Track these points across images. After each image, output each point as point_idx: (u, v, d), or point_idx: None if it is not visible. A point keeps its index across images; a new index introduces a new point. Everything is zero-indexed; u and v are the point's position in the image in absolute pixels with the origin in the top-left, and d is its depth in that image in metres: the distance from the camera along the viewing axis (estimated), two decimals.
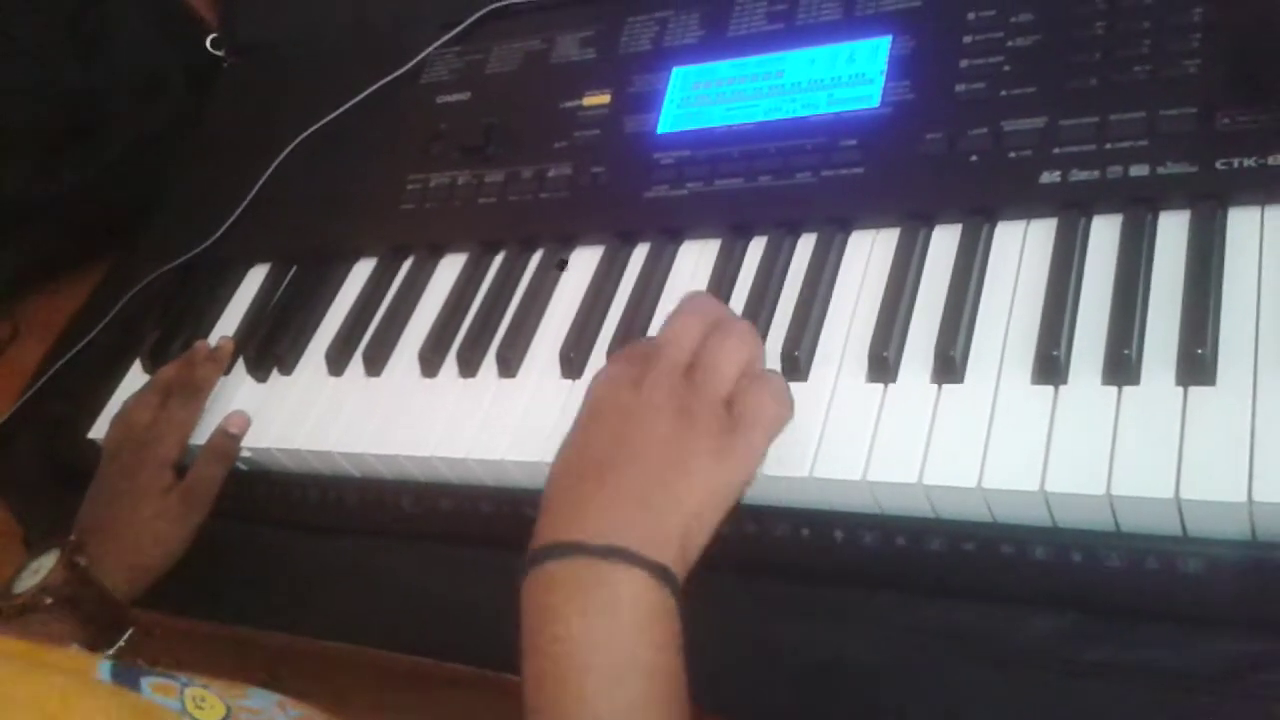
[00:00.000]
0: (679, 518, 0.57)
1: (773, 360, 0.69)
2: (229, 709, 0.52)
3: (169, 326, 0.97)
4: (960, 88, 0.74)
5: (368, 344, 0.85)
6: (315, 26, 1.11)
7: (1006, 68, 0.73)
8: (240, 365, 0.90)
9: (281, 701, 0.58)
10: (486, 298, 0.83)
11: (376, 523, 0.80)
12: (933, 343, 0.65)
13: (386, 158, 0.96)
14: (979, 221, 0.69)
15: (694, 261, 0.78)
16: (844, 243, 0.74)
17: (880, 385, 0.66)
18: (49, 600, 0.76)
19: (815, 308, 0.71)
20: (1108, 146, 0.67)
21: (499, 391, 0.78)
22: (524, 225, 0.86)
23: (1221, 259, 0.62)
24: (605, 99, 0.88)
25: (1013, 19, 0.74)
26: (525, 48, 0.95)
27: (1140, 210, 0.65)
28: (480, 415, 0.77)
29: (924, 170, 0.72)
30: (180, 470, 0.84)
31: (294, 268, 0.96)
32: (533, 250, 0.85)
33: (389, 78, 0.99)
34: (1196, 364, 0.58)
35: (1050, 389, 0.61)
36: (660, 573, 0.55)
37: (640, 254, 0.80)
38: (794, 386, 0.68)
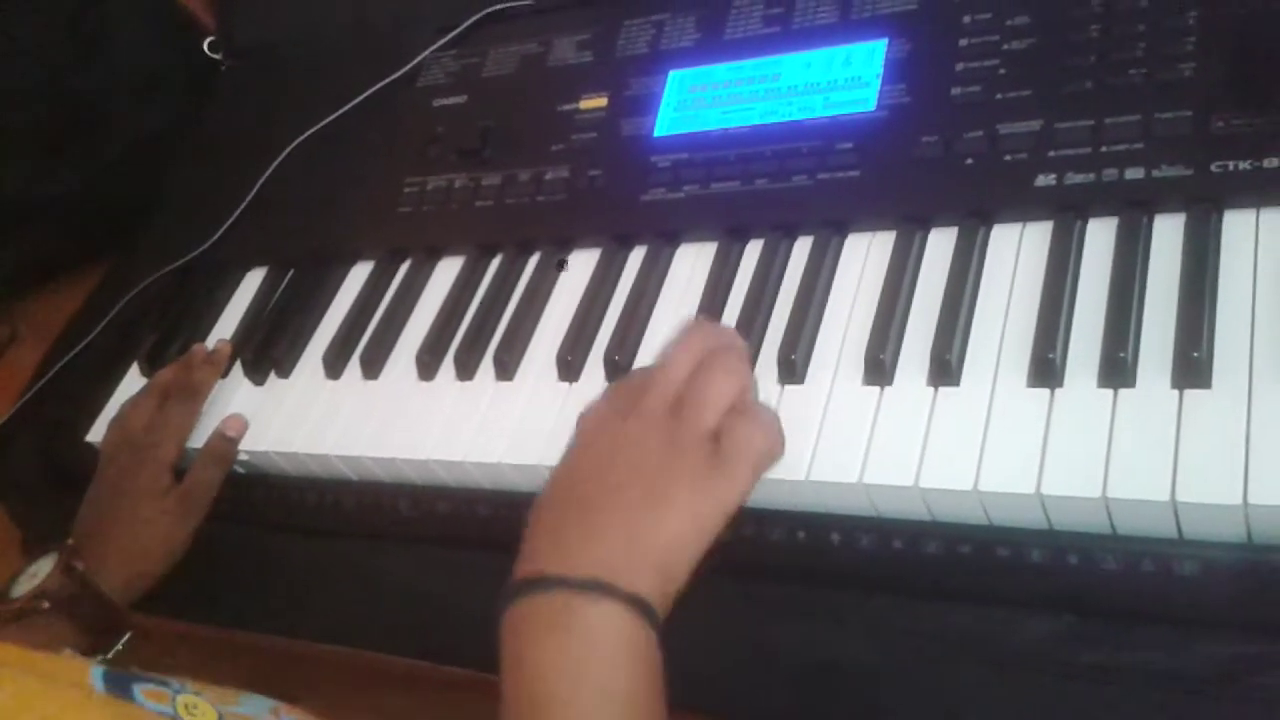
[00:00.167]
0: (660, 551, 0.57)
1: (769, 363, 0.70)
2: (220, 716, 0.52)
3: (167, 329, 0.97)
4: (956, 91, 0.74)
5: (365, 347, 0.85)
6: (312, 30, 1.11)
7: (1002, 71, 0.73)
8: (238, 368, 0.90)
9: (275, 708, 0.58)
10: (484, 301, 0.84)
11: (374, 526, 0.80)
12: (929, 346, 0.65)
13: (383, 161, 0.96)
14: (975, 224, 0.69)
15: (690, 264, 0.78)
16: (840, 246, 0.74)
17: (876, 388, 0.66)
18: (46, 604, 0.76)
19: (811, 311, 0.71)
20: (1103, 149, 0.67)
21: (496, 394, 0.78)
22: (521, 228, 0.86)
23: (1216, 262, 0.62)
24: (602, 102, 0.88)
25: (1008, 22, 0.74)
26: (522, 51, 0.95)
27: (1135, 213, 0.65)
28: (477, 418, 0.77)
29: (920, 173, 0.72)
30: (178, 474, 0.84)
31: (291, 271, 0.96)
32: (530, 253, 0.85)
33: (386, 81, 0.99)
34: (1192, 367, 0.58)
35: (1046, 392, 0.61)
36: (640, 606, 0.55)
37: (637, 257, 0.81)
38: (790, 389, 0.68)
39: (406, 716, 0.88)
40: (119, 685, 0.51)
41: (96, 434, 0.91)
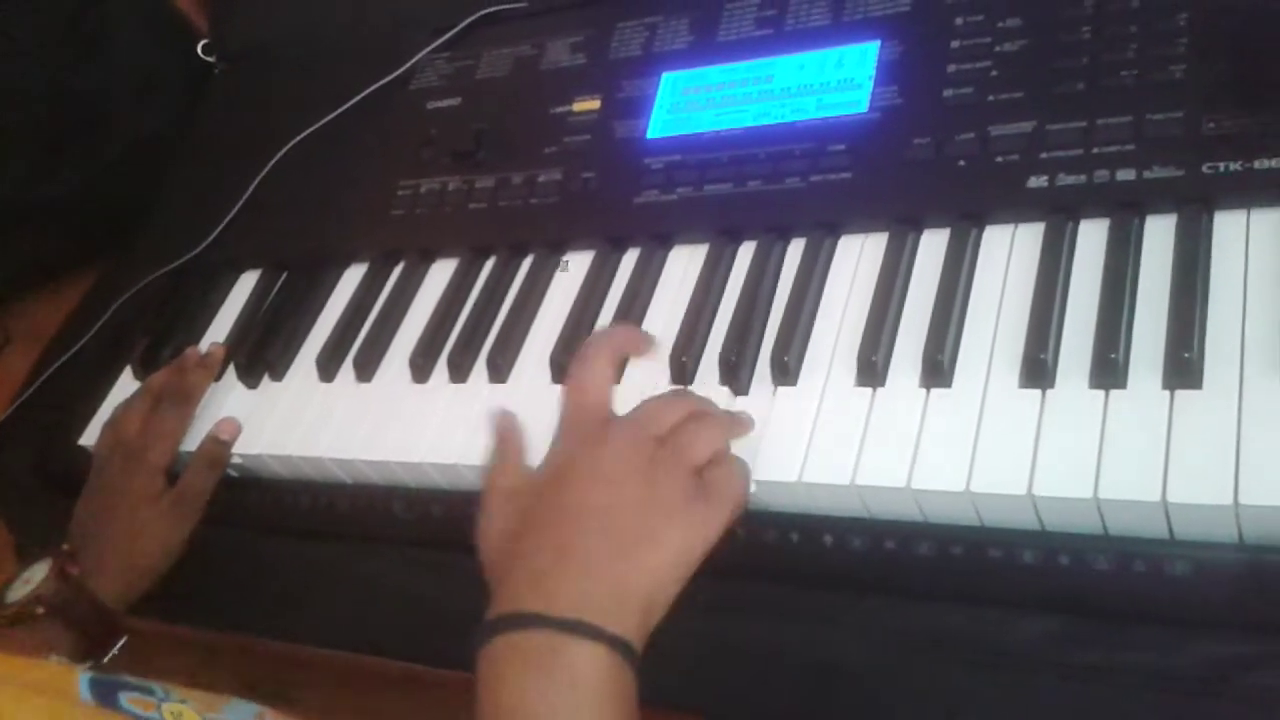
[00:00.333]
0: (642, 590, 0.57)
1: (762, 365, 0.70)
2: None
3: (160, 333, 0.97)
4: (948, 93, 0.74)
5: (359, 350, 0.85)
6: (306, 32, 1.11)
7: (994, 73, 0.73)
8: (231, 371, 0.90)
9: (260, 713, 0.58)
10: (477, 303, 0.84)
11: (368, 529, 0.80)
12: (921, 347, 0.65)
13: (377, 163, 0.96)
14: (967, 226, 0.70)
15: (684, 266, 0.78)
16: (833, 247, 0.74)
17: (869, 389, 0.66)
18: (41, 610, 0.76)
19: (804, 312, 0.71)
20: (1094, 151, 0.67)
21: (490, 397, 0.78)
22: (514, 231, 0.86)
23: (1208, 262, 0.62)
24: (595, 104, 0.88)
25: (1000, 24, 0.74)
26: (516, 53, 0.95)
27: (1127, 214, 0.65)
28: (471, 421, 0.77)
29: (912, 175, 0.73)
30: (172, 478, 0.84)
31: (285, 273, 0.96)
32: (523, 256, 0.85)
33: (379, 83, 0.99)
34: (1183, 367, 0.58)
35: (1038, 393, 0.62)
36: (620, 646, 0.55)
37: (630, 259, 0.81)
38: (783, 391, 0.68)
39: (401, 719, 0.88)
40: (105, 693, 0.51)
41: (90, 437, 0.90)
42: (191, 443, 0.85)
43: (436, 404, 0.79)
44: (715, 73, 0.84)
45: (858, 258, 0.73)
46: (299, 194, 0.99)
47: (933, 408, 0.64)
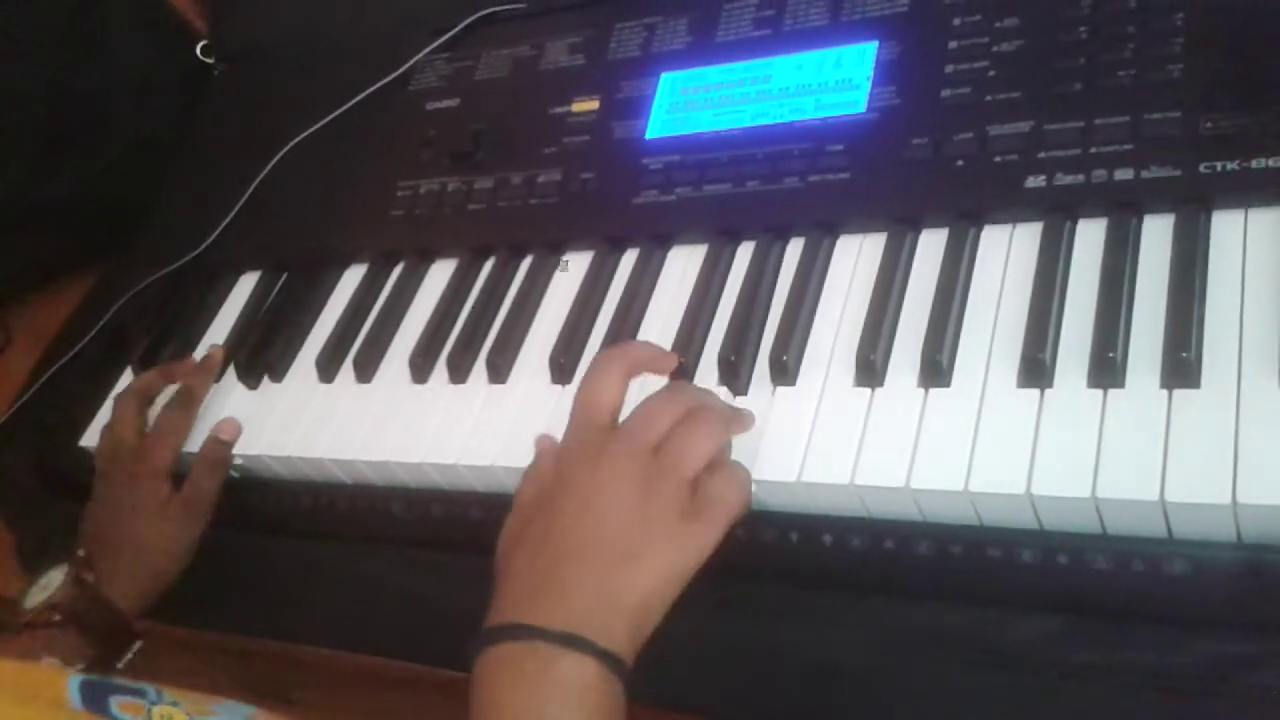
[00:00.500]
0: (634, 606, 0.58)
1: (760, 364, 0.70)
2: None
3: (160, 333, 0.97)
4: (946, 93, 0.74)
5: (358, 350, 0.85)
6: (305, 33, 1.11)
7: (992, 73, 0.73)
8: (231, 372, 0.90)
9: (252, 715, 0.58)
10: (476, 304, 0.84)
11: (368, 529, 0.80)
12: (919, 347, 0.65)
13: (376, 164, 0.96)
14: (965, 226, 0.70)
15: (682, 267, 0.78)
16: (831, 247, 0.74)
17: (867, 389, 0.66)
18: (57, 616, 0.76)
19: (803, 312, 0.71)
20: (1092, 150, 0.67)
21: (489, 397, 0.78)
22: (513, 231, 0.86)
23: (1205, 262, 0.62)
24: (594, 105, 0.88)
25: (998, 24, 0.74)
26: (514, 54, 0.95)
27: (1125, 214, 0.66)
28: (470, 421, 0.77)
29: (910, 175, 0.73)
30: (177, 480, 0.84)
31: (285, 274, 0.96)
32: (522, 256, 0.86)
33: (378, 84, 0.99)
34: (1181, 367, 0.58)
35: (1036, 392, 0.62)
36: (612, 661, 0.57)
37: (629, 259, 0.81)
38: (782, 391, 0.69)
39: (401, 719, 0.88)
40: (95, 698, 0.51)
41: (90, 439, 0.90)
42: (193, 444, 0.85)
43: (436, 404, 0.79)
44: (714, 73, 0.84)
45: (856, 257, 0.73)
46: (299, 195, 0.99)
47: (931, 407, 0.64)
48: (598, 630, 0.57)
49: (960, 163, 0.71)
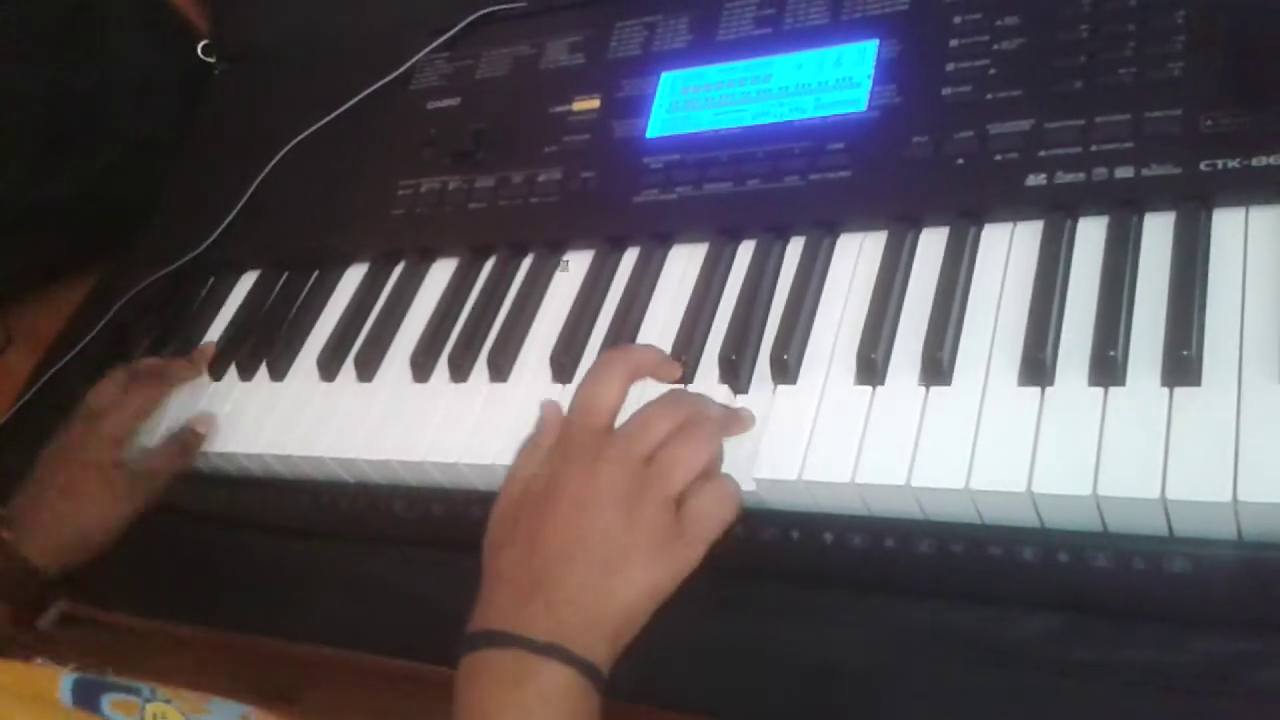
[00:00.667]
0: (614, 619, 0.60)
1: (761, 363, 0.70)
2: None
3: (161, 333, 0.97)
4: (946, 91, 0.74)
5: (359, 349, 0.85)
6: (306, 33, 1.11)
7: (992, 71, 0.73)
8: (233, 371, 0.90)
9: (245, 714, 0.58)
10: (477, 303, 0.84)
11: (369, 528, 0.80)
12: (920, 345, 0.65)
13: (377, 163, 0.96)
14: (966, 224, 0.70)
15: (683, 266, 0.78)
16: (832, 246, 0.74)
17: (868, 388, 0.66)
18: None
19: (804, 311, 0.71)
20: (1093, 149, 0.67)
21: (490, 396, 0.78)
22: (514, 230, 0.86)
23: (1206, 260, 0.62)
24: (595, 104, 0.88)
25: (998, 22, 0.74)
26: (515, 53, 0.95)
27: (1125, 212, 0.65)
28: (472, 420, 0.77)
29: (911, 173, 0.73)
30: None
31: (286, 274, 0.96)
32: (523, 255, 0.86)
33: (379, 84, 0.99)
34: (1182, 365, 0.58)
35: (1037, 390, 0.62)
36: (589, 670, 0.58)
37: (630, 258, 0.81)
38: (783, 389, 0.69)
39: (401, 718, 0.88)
40: (88, 697, 0.51)
41: None
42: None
43: (437, 403, 0.79)
44: (714, 72, 0.84)
45: (857, 256, 0.73)
46: (299, 194, 0.99)
47: (932, 406, 0.64)
48: (577, 640, 0.59)
49: (961, 161, 0.71)
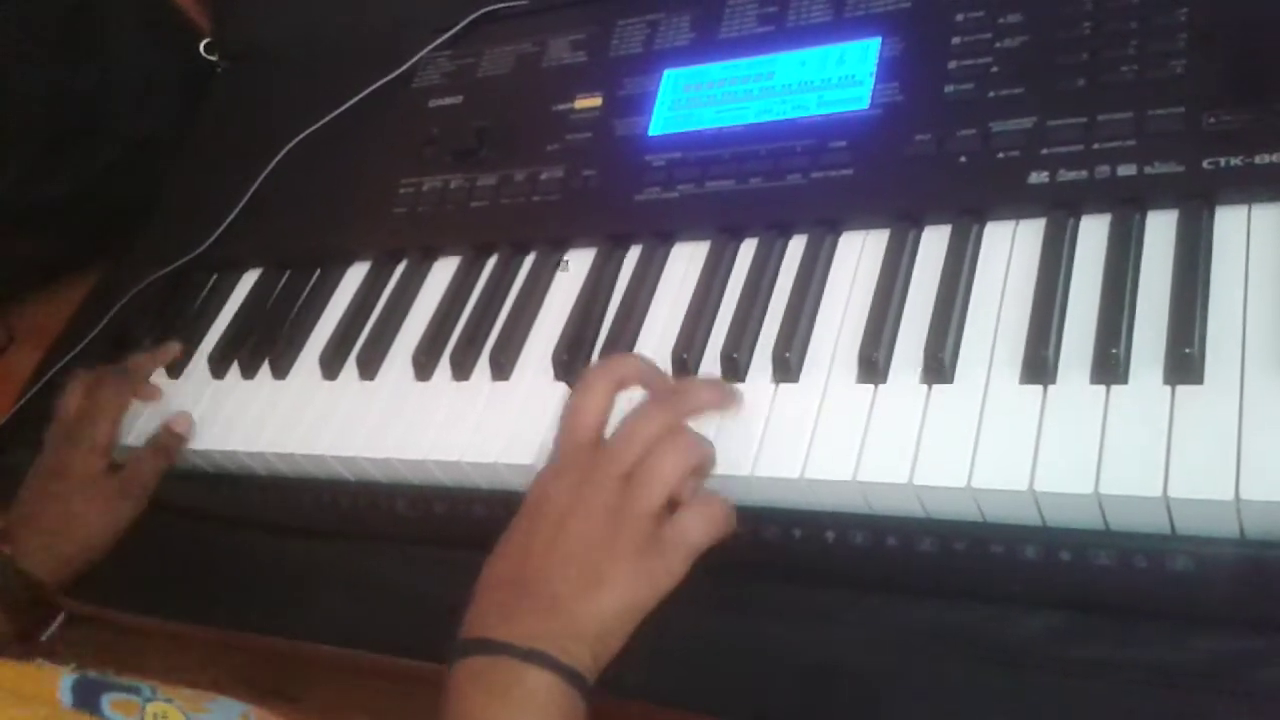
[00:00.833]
0: (595, 629, 0.61)
1: (763, 362, 0.70)
2: None
3: (163, 332, 0.97)
4: (949, 89, 0.74)
5: (361, 348, 0.85)
6: (308, 31, 1.11)
7: (995, 69, 0.73)
8: (235, 370, 0.90)
9: (245, 712, 0.58)
10: (480, 301, 0.84)
11: (371, 526, 0.80)
12: (922, 343, 0.65)
13: (379, 162, 0.96)
14: (968, 222, 0.70)
15: (685, 264, 0.78)
16: (834, 244, 0.74)
17: (870, 386, 0.66)
18: None
19: (805, 309, 0.71)
20: (1095, 147, 0.67)
21: (492, 394, 0.78)
22: (516, 228, 0.86)
23: (1209, 258, 0.62)
24: (597, 102, 0.88)
25: (1001, 20, 0.74)
26: (517, 51, 0.95)
27: (1128, 210, 0.65)
28: (474, 418, 0.77)
29: (913, 171, 0.73)
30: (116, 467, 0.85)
31: (288, 272, 0.96)
32: (526, 253, 0.86)
33: (381, 82, 0.99)
34: (1184, 363, 0.58)
35: (1039, 389, 0.62)
36: (573, 676, 0.59)
37: (632, 256, 0.81)
38: (784, 388, 0.68)
39: (403, 717, 0.88)
40: (87, 697, 0.51)
41: None
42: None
43: (439, 401, 0.79)
44: (717, 70, 0.84)
45: (859, 254, 0.73)
46: (301, 193, 0.99)
47: (934, 404, 0.64)
48: (560, 648, 0.60)
49: (963, 159, 0.71)
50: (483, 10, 0.98)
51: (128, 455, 0.86)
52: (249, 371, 0.89)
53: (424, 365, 0.81)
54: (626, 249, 0.81)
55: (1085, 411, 0.59)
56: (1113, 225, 0.65)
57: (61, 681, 0.51)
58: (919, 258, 0.71)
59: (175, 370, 0.93)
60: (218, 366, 0.91)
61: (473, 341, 0.81)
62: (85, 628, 0.88)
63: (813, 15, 0.83)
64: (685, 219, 0.79)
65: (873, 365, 0.66)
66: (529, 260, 0.85)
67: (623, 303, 0.78)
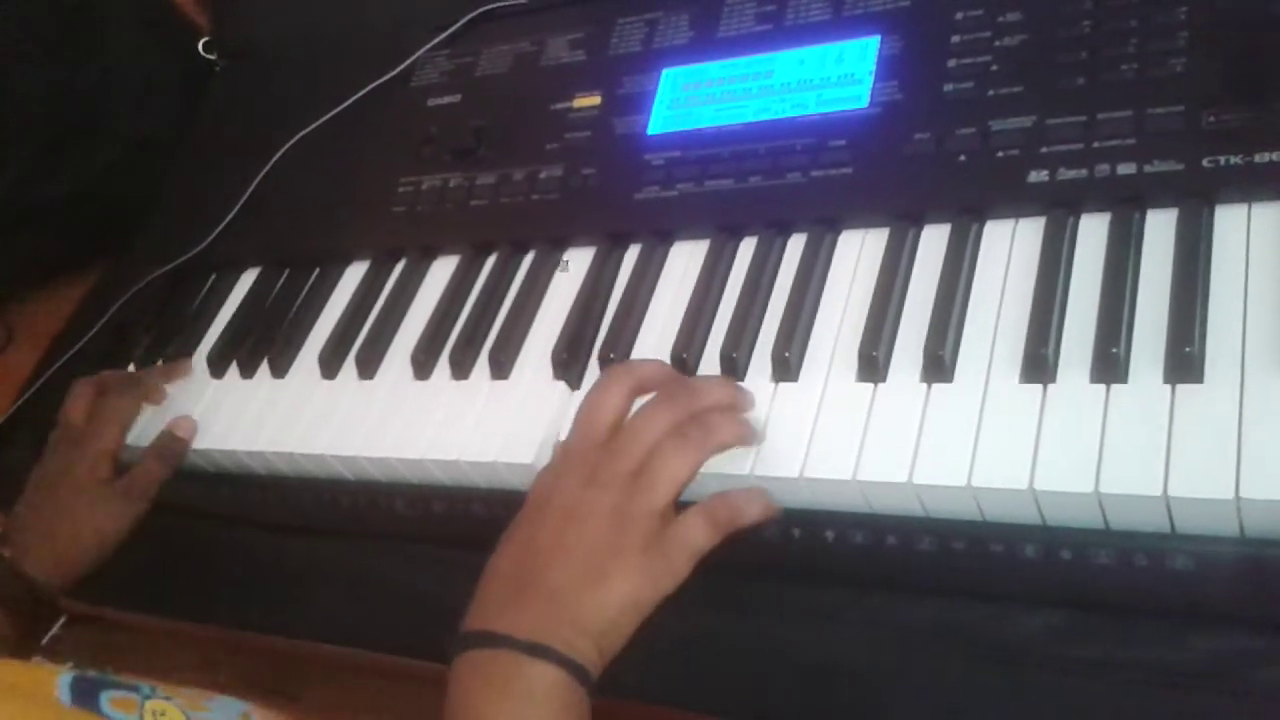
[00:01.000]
0: (598, 625, 0.61)
1: (763, 361, 0.70)
2: None
3: (162, 331, 0.97)
4: (948, 87, 0.74)
5: (360, 347, 0.85)
6: (307, 30, 1.11)
7: (994, 67, 0.73)
8: (234, 369, 0.90)
9: (246, 712, 0.58)
10: (479, 300, 0.84)
11: (370, 526, 0.80)
12: (922, 342, 0.65)
13: (378, 161, 0.96)
14: (967, 221, 0.70)
15: (685, 263, 0.78)
16: (833, 243, 0.74)
17: (870, 385, 0.66)
18: None
19: (805, 308, 0.71)
20: (1095, 145, 0.67)
21: (491, 393, 0.78)
22: (515, 227, 0.86)
23: (1209, 256, 0.62)
24: (596, 100, 0.88)
25: (1000, 18, 0.74)
26: (515, 50, 0.95)
27: (1128, 209, 0.65)
28: (473, 417, 0.77)
29: (913, 170, 0.72)
30: (120, 470, 0.84)
31: (287, 271, 0.96)
32: (525, 252, 0.85)
33: (380, 81, 0.99)
34: (1184, 362, 0.58)
35: (1039, 387, 0.61)
36: (577, 671, 0.59)
37: (631, 255, 0.81)
38: (784, 387, 0.68)
39: (402, 715, 0.88)
40: (86, 695, 0.51)
41: None
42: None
43: (438, 401, 0.79)
44: (716, 68, 0.84)
45: (858, 253, 0.73)
46: (300, 192, 0.99)
47: (934, 403, 0.64)
48: (563, 642, 0.59)
49: (963, 158, 0.71)
50: (481, 9, 0.98)
51: (131, 458, 0.86)
52: (248, 371, 0.89)
53: (423, 364, 0.81)
54: (626, 248, 0.81)
55: (1085, 410, 0.59)
56: (1112, 224, 0.65)
57: (59, 680, 0.51)
58: (918, 256, 0.71)
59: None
60: (217, 366, 0.91)
61: (472, 341, 0.81)
62: (84, 627, 0.88)
63: (811, 14, 0.83)
64: (684, 218, 0.79)
65: (872, 364, 0.66)
66: (528, 259, 0.85)
67: (622, 302, 0.78)
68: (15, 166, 1.09)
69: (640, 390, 0.68)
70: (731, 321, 0.73)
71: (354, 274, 0.92)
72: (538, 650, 0.59)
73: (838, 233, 0.74)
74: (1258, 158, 0.62)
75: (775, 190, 0.76)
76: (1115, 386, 0.60)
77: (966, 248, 0.69)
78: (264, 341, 0.90)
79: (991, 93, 0.72)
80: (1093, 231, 0.66)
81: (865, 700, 0.64)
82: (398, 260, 0.90)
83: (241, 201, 1.00)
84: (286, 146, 1.00)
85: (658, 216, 0.80)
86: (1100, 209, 0.66)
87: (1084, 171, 0.67)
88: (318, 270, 0.94)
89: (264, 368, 0.88)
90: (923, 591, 0.64)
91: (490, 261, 0.86)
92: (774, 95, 0.80)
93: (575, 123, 0.88)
